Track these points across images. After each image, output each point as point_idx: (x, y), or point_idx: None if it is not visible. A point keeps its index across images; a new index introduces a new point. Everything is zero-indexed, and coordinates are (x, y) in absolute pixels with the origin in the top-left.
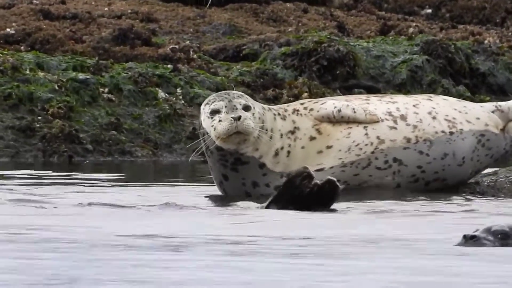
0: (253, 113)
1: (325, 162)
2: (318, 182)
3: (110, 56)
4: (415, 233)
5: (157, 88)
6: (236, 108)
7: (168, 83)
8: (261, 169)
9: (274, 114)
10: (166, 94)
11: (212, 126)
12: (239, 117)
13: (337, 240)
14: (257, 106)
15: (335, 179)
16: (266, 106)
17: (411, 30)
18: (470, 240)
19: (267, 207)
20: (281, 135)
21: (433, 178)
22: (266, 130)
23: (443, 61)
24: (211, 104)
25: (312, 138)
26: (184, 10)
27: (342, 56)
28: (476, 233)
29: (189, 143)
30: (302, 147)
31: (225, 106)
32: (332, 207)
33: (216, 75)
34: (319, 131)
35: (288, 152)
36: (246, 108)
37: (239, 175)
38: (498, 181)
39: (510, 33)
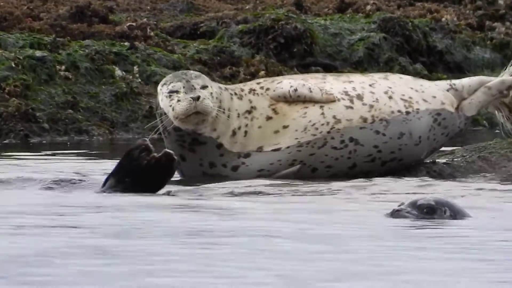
0: (211, 93)
1: (282, 142)
2: (156, 154)
3: (67, 34)
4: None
5: (114, 66)
6: (195, 88)
7: (125, 61)
8: (219, 149)
9: (231, 94)
10: (123, 72)
11: (171, 106)
12: (198, 97)
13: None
14: (214, 86)
15: (172, 152)
16: (222, 86)
17: (368, 7)
18: (395, 213)
19: (106, 180)
20: (238, 114)
21: (390, 157)
22: (224, 110)
23: (401, 38)
24: (169, 84)
25: (268, 118)
26: None
27: (299, 34)
28: (401, 207)
29: (146, 122)
30: (259, 127)
31: (183, 87)
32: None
33: (173, 53)
34: (275, 111)
35: (245, 132)
36: (204, 88)
37: (196, 156)
38: (455, 160)
39: (467, 11)
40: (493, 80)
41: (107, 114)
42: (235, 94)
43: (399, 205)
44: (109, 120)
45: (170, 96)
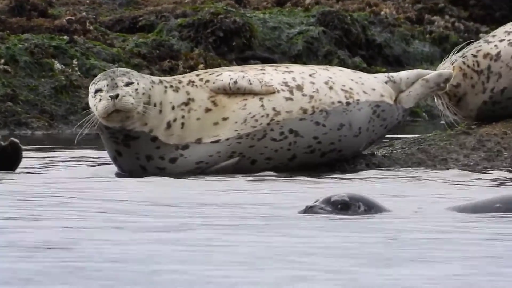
0: (136, 89)
1: (221, 134)
2: (2, 143)
3: (7, 28)
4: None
5: (53, 60)
6: (117, 86)
7: (64, 55)
8: (154, 142)
9: (166, 87)
10: (62, 66)
11: (95, 105)
12: (117, 95)
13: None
14: (142, 82)
15: (18, 141)
16: (157, 79)
17: (307, 1)
18: (308, 210)
19: None
20: (173, 107)
21: (329, 149)
22: (155, 104)
23: (340, 32)
24: (96, 83)
25: (207, 110)
26: None
27: (238, 28)
28: (315, 203)
29: (85, 114)
30: (198, 119)
31: (107, 85)
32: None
33: (112, 47)
34: (214, 103)
35: (182, 123)
36: (128, 85)
37: (132, 150)
38: (393, 152)
39: (406, 4)
40: (430, 73)
41: (46, 107)
42: (171, 86)
43: (314, 202)
44: (48, 112)
45: (95, 95)
